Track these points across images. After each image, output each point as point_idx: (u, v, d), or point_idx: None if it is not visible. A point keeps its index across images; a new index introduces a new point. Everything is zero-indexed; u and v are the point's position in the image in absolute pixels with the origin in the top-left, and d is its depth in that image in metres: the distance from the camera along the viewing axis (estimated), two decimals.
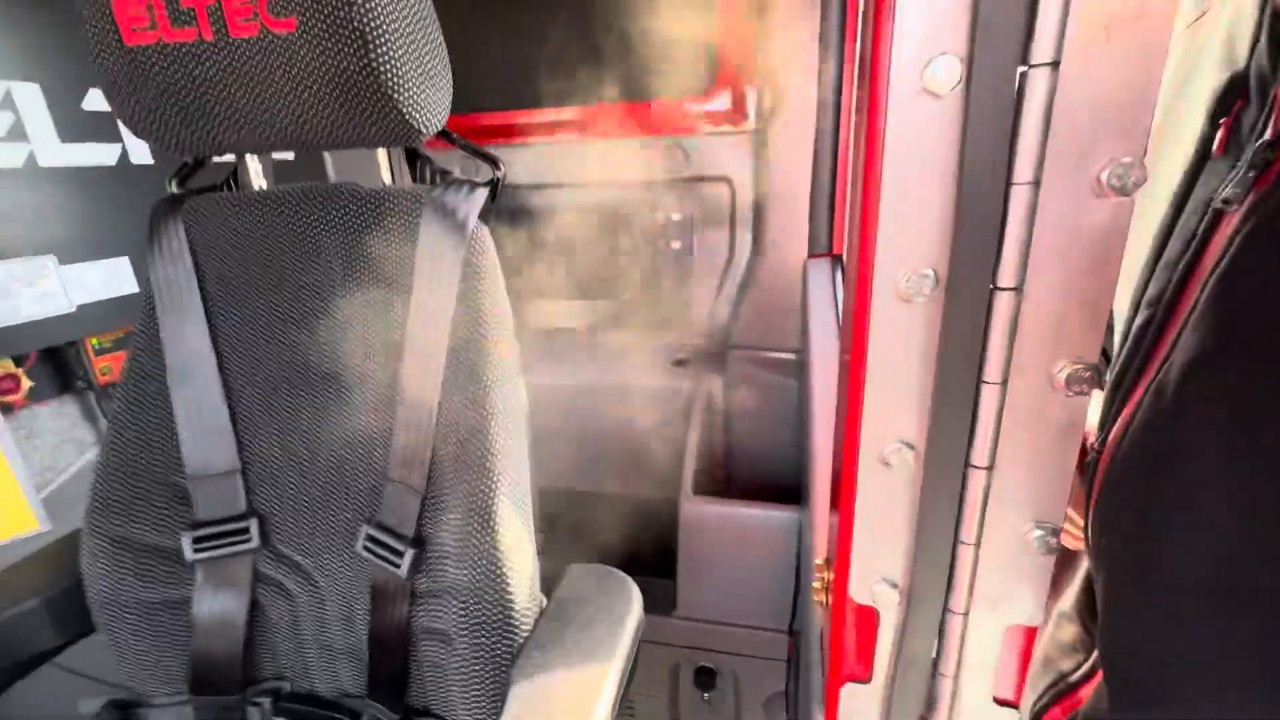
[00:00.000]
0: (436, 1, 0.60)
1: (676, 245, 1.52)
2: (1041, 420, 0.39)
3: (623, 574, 0.68)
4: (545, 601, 0.68)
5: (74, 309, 0.91)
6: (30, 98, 0.87)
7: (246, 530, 0.73)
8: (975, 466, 0.41)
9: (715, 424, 1.48)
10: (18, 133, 0.86)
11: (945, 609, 0.45)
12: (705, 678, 1.26)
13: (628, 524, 1.44)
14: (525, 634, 0.62)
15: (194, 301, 0.71)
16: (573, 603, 0.63)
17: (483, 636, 0.61)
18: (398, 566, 0.66)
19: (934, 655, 0.47)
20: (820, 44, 1.14)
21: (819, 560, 0.56)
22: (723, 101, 1.38)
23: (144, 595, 0.73)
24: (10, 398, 0.86)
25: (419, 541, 0.66)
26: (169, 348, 0.71)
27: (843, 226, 1.22)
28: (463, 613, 0.62)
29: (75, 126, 0.92)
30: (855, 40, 1.15)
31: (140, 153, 1.00)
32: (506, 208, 1.51)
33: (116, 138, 0.97)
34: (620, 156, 1.49)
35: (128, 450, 0.72)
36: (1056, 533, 0.42)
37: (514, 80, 1.47)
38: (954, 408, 0.40)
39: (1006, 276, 0.36)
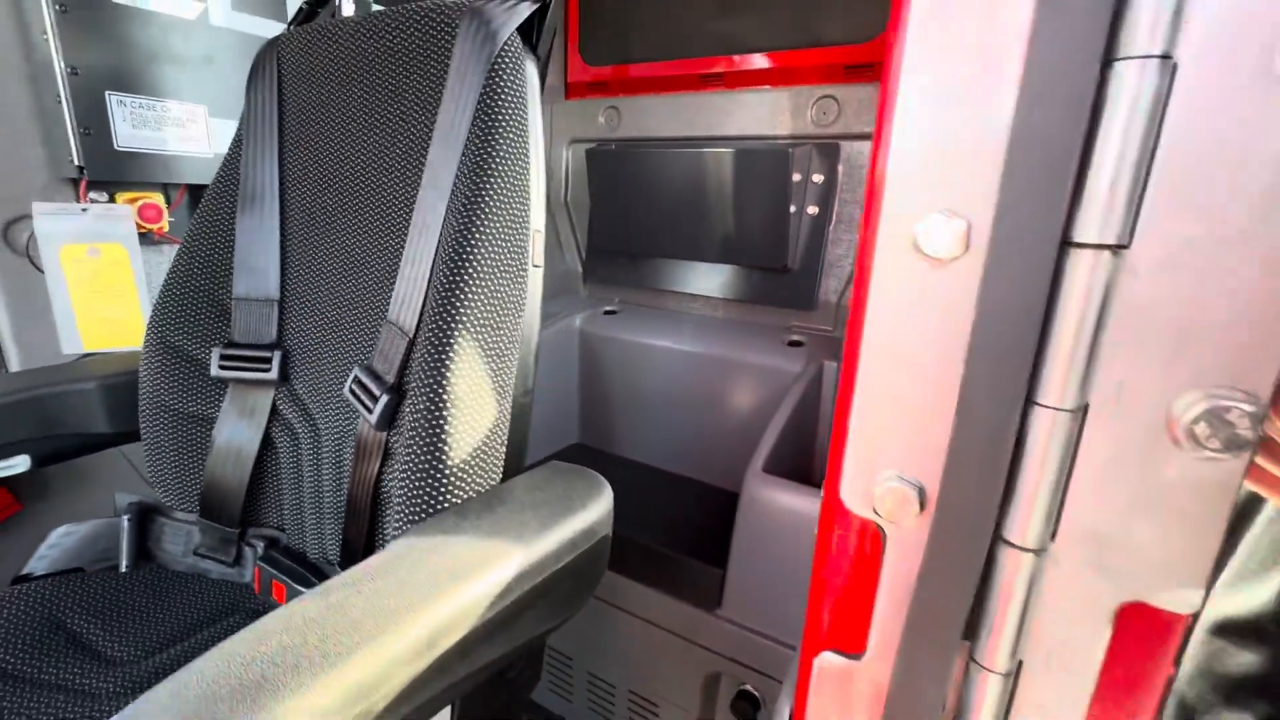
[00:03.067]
0: None
1: (812, 210, 1.34)
2: None
3: (601, 478, 0.55)
4: None
5: (211, 155, 1.02)
6: None
7: (269, 360, 0.73)
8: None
9: (823, 416, 1.26)
10: None
11: (997, 535, 0.27)
12: (746, 705, 1.05)
13: (695, 508, 1.27)
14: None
15: (272, 129, 0.73)
16: (524, 487, 0.51)
17: (410, 498, 0.51)
18: (370, 413, 0.60)
19: (965, 626, 0.28)
20: None
21: None
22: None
23: (180, 404, 0.76)
24: (153, 225, 0.98)
25: (398, 392, 0.59)
26: (244, 172, 0.74)
27: None
28: (401, 469, 0.54)
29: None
30: None
31: None
32: (630, 160, 1.45)
33: (283, 17, 1.08)
34: (762, 109, 1.36)
35: (193, 265, 0.75)
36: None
37: (661, 30, 1.41)
38: None
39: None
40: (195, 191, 1.05)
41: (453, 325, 0.51)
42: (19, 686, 0.60)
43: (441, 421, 0.50)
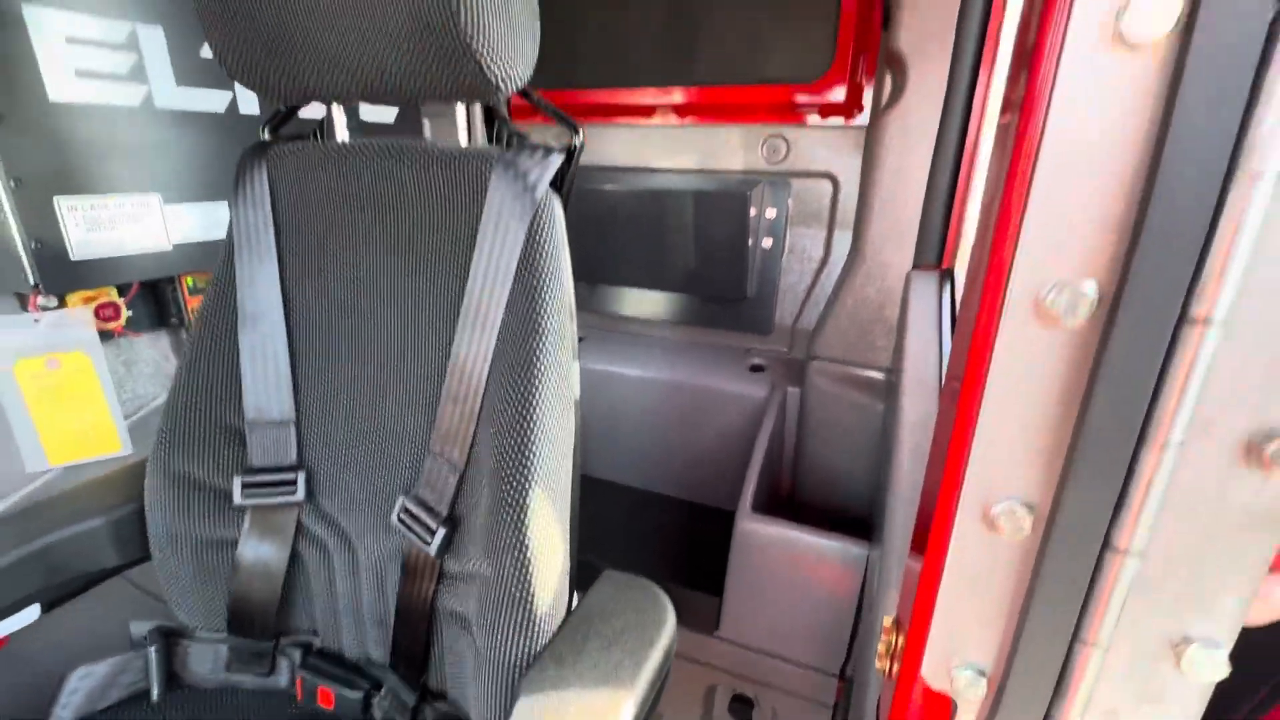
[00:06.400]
0: None
1: (767, 243, 1.43)
2: (1222, 503, 0.30)
3: (658, 589, 0.62)
4: (575, 604, 0.64)
5: (170, 248, 0.96)
6: (153, 40, 0.91)
7: (294, 482, 0.73)
8: (1116, 549, 0.31)
9: (787, 438, 1.38)
10: (138, 74, 0.91)
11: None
12: (741, 707, 1.18)
13: (680, 529, 1.38)
14: (546, 637, 0.57)
15: (269, 247, 0.71)
16: (600, 615, 0.58)
17: (500, 633, 0.56)
18: (428, 544, 0.63)
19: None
20: (957, 33, 1.01)
21: (888, 619, 0.47)
22: (836, 92, 1.27)
23: (196, 531, 0.75)
24: (110, 324, 0.92)
25: (452, 521, 0.63)
26: (242, 292, 0.72)
27: (956, 238, 1.09)
28: (483, 603, 0.58)
29: (192, 72, 0.96)
30: (1000, 19, 1.01)
31: (249, 102, 1.04)
32: (590, 187, 1.47)
33: (229, 86, 1.00)
34: (716, 143, 1.42)
35: (195, 390, 0.73)
36: (1223, 651, 0.32)
37: (612, 57, 1.43)
38: (1099, 468, 0.30)
39: (1204, 302, 0.27)
40: (150, 287, 0.98)
41: (526, 480, 0.55)
42: None
43: (528, 572, 0.55)
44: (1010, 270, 0.30)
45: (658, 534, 1.36)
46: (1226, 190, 0.26)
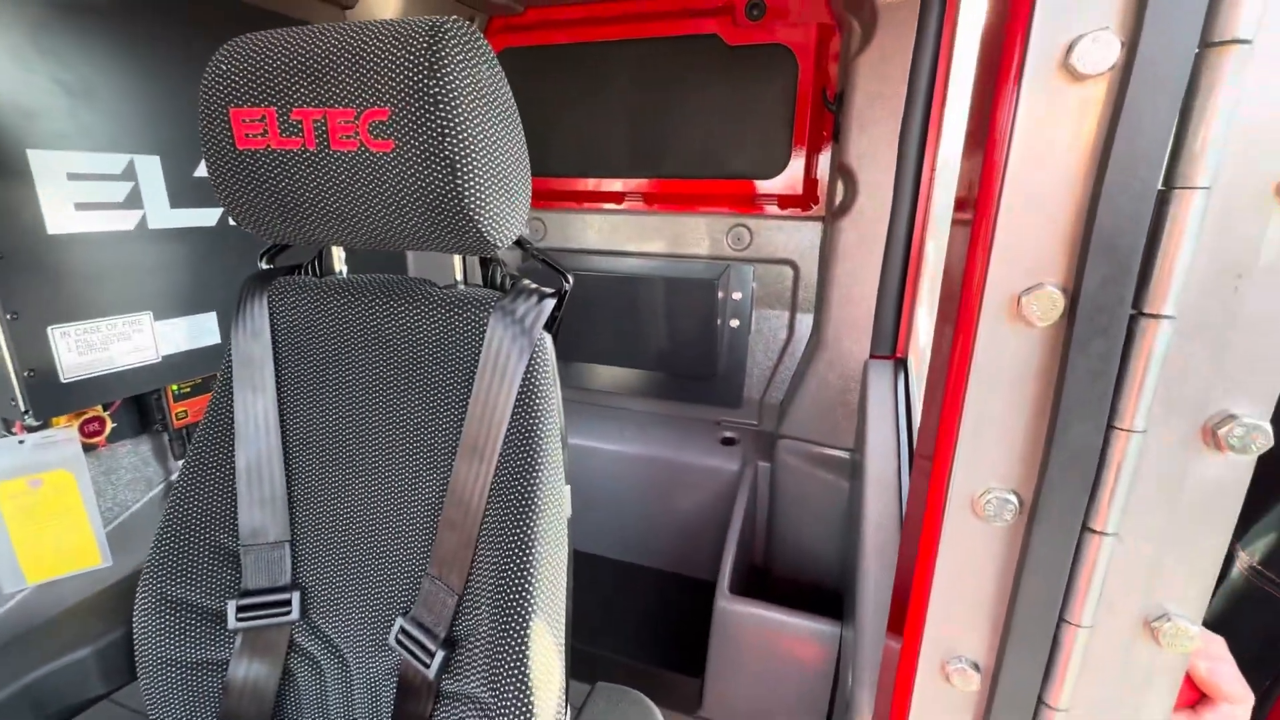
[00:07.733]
0: (518, 65, 0.61)
1: (735, 323, 1.51)
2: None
3: (647, 703, 0.65)
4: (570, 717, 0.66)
5: (159, 360, 0.98)
6: (149, 168, 0.95)
7: (288, 602, 0.74)
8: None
9: (759, 510, 1.44)
10: (134, 200, 0.94)
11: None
12: None
13: (658, 601, 1.41)
14: None
15: (268, 378, 0.74)
16: None
17: None
18: (427, 665, 0.65)
19: None
20: (900, 141, 1.13)
21: None
22: (793, 186, 1.38)
23: (186, 655, 0.75)
24: (95, 439, 0.92)
25: (450, 643, 0.65)
26: (239, 418, 0.74)
27: (907, 329, 1.19)
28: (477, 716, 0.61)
29: (185, 193, 1.00)
30: (936, 142, 1.14)
31: None
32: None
33: (218, 202, 1.04)
34: (684, 229, 1.51)
35: (189, 513, 0.75)
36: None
37: (585, 149, 1.52)
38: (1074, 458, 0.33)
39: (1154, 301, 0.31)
40: (134, 396, 0.99)
41: (527, 611, 0.59)
42: None
43: (529, 698, 0.58)
44: (987, 275, 0.33)
45: (637, 607, 1.39)
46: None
